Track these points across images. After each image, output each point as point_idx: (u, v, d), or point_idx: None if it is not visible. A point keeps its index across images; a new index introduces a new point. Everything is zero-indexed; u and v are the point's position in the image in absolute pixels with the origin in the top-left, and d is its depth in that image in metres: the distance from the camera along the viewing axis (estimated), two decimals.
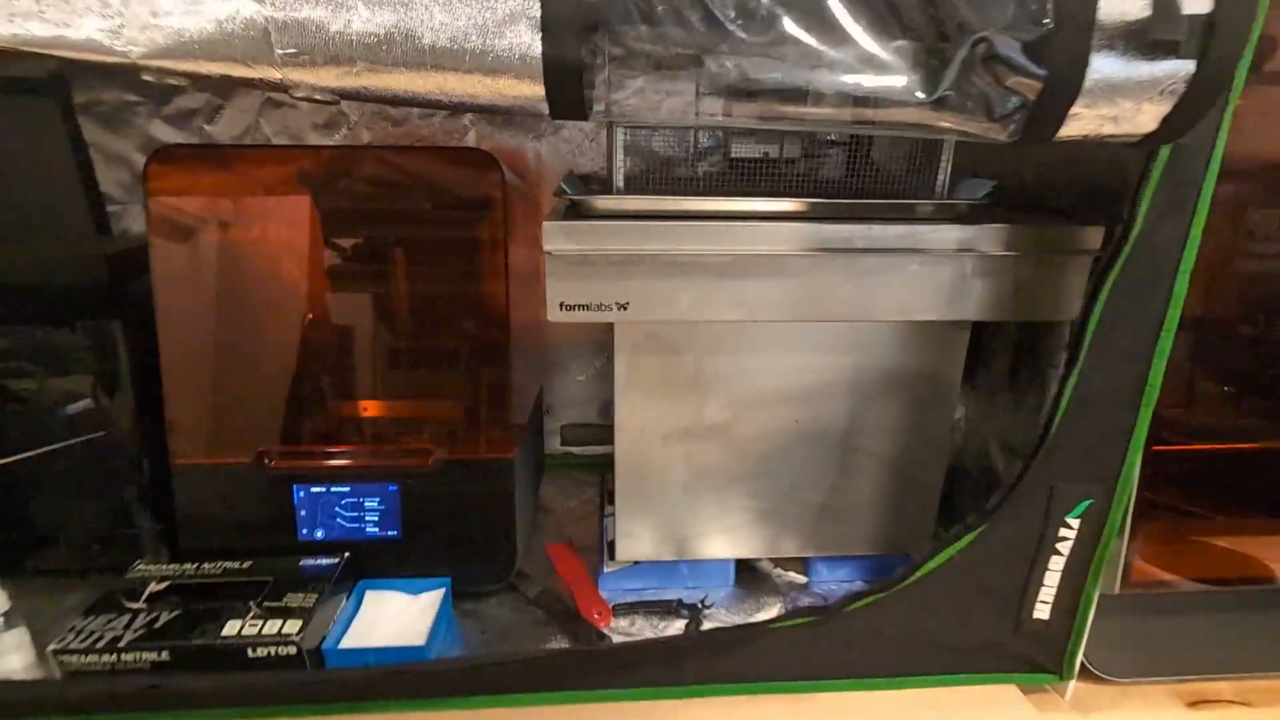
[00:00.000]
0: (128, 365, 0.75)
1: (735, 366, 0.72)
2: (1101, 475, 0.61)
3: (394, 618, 0.73)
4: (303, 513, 0.76)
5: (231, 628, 0.64)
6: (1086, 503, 0.62)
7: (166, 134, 0.91)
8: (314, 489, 0.75)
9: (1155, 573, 0.69)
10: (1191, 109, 0.40)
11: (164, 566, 0.72)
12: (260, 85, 0.41)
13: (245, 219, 0.73)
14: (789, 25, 0.39)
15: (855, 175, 0.67)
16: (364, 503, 0.76)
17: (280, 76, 0.41)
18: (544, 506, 0.99)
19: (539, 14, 0.39)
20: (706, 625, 0.76)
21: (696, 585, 0.82)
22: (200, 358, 0.74)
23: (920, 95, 0.40)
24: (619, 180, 0.62)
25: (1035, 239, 0.60)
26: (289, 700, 0.63)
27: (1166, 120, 0.41)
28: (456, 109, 0.43)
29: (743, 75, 0.42)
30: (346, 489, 0.75)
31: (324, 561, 0.74)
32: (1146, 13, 0.38)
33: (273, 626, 0.64)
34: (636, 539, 0.79)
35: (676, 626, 0.76)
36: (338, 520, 0.76)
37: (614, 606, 0.78)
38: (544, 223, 0.58)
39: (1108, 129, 0.42)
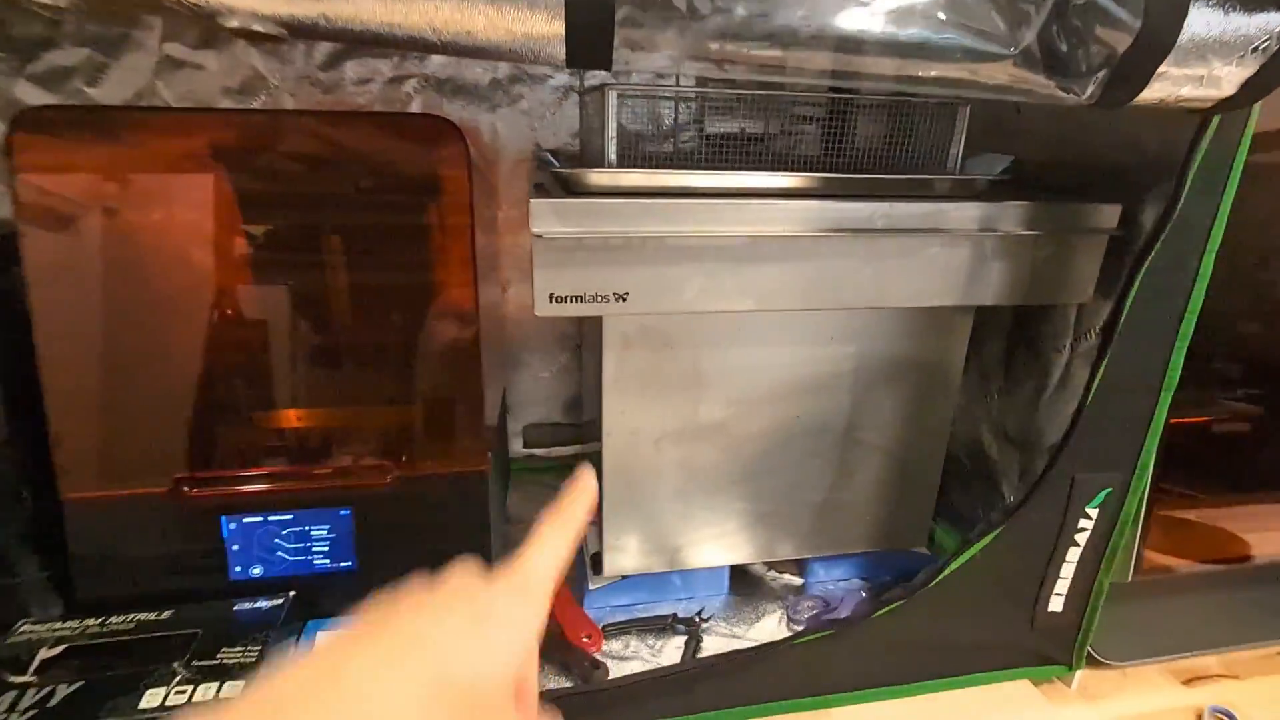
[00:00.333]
0: None
1: (735, 360, 0.65)
2: (1121, 463, 0.59)
3: None
4: (235, 548, 0.64)
5: (153, 698, 0.52)
6: (1106, 491, 0.60)
7: (35, 98, 0.75)
8: (248, 519, 0.64)
9: (1160, 559, 0.68)
10: (1276, 72, 0.36)
11: (57, 625, 0.59)
12: (180, 8, 0.31)
13: (142, 200, 0.60)
14: None
15: (863, 151, 0.61)
16: (311, 531, 0.65)
17: None
18: (511, 517, 0.90)
19: None
20: (706, 639, 0.70)
21: (690, 596, 0.76)
22: (91, 368, 0.61)
23: (1000, 48, 0.34)
24: (611, 152, 0.54)
25: (1058, 218, 0.57)
26: None
27: (1247, 84, 0.38)
28: (444, 51, 0.33)
29: (777, 20, 0.35)
30: (289, 517, 0.64)
31: (265, 604, 0.63)
32: None
33: (207, 691, 0.53)
34: (625, 551, 0.72)
35: (674, 644, 0.70)
36: (279, 554, 0.65)
37: (604, 627, 0.70)
38: (531, 201, 0.50)
39: (1187, 91, 0.38)
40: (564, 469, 1.00)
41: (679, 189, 0.54)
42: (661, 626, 0.71)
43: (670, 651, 0.69)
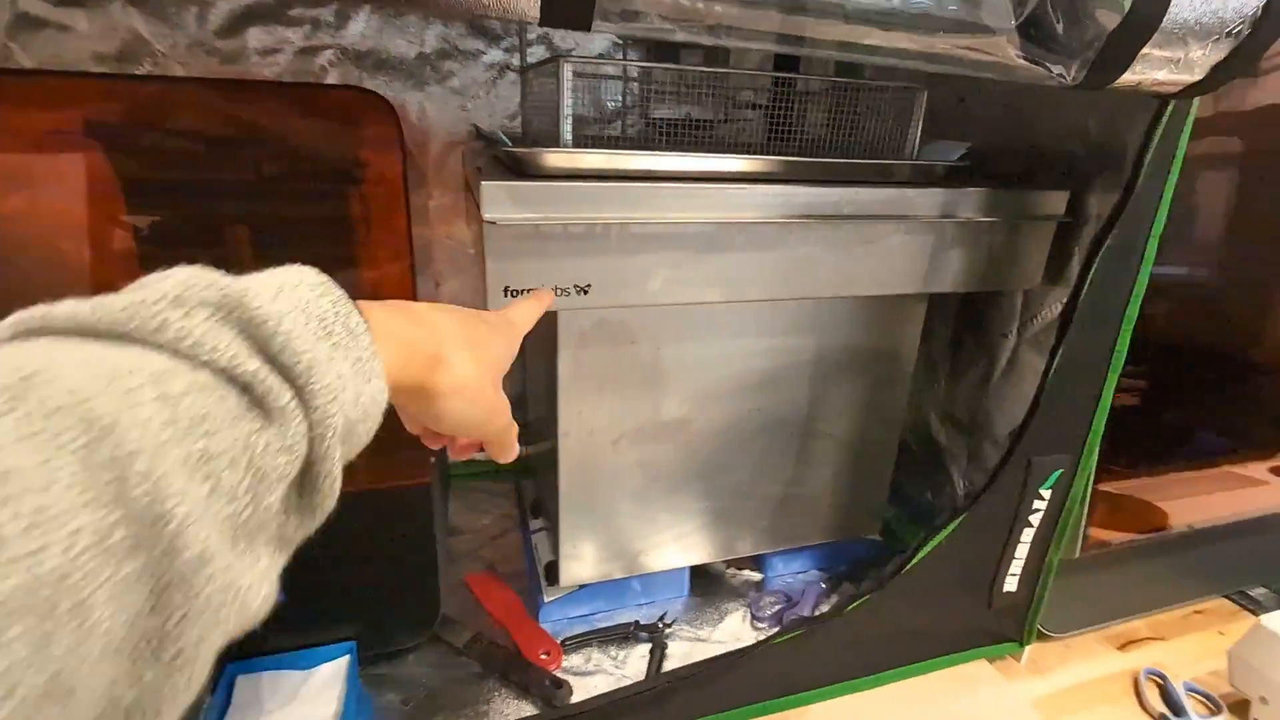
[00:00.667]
0: None
1: (696, 354, 0.62)
2: (1071, 444, 0.61)
3: (283, 705, 0.56)
4: None
5: None
6: (1058, 472, 0.61)
7: None
8: None
9: (1102, 533, 0.71)
10: (1246, 56, 0.37)
11: None
12: None
13: None
14: None
15: (824, 137, 0.59)
16: None
17: None
18: (453, 527, 0.84)
19: None
20: (671, 645, 0.67)
21: (650, 601, 0.73)
22: None
23: (997, 21, 0.33)
24: (567, 132, 0.49)
25: (1012, 204, 0.57)
26: None
27: (1216, 69, 0.38)
28: (395, 3, 0.28)
29: None
30: None
31: None
32: None
33: None
34: (582, 559, 0.68)
35: (639, 652, 0.67)
36: None
37: (563, 641, 0.66)
38: (483, 183, 0.45)
39: (1162, 75, 0.38)
40: (506, 473, 0.95)
41: (643, 172, 0.50)
42: (624, 635, 0.68)
43: (635, 661, 0.66)
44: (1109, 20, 0.35)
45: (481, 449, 0.40)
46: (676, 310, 0.60)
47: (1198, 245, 0.75)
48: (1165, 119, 0.47)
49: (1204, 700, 0.67)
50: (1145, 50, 0.36)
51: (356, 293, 0.58)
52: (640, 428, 0.64)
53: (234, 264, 0.57)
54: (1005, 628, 0.69)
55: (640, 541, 0.69)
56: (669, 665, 0.65)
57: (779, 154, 0.56)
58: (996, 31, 0.34)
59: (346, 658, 0.59)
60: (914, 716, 0.62)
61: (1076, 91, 0.40)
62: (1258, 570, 0.86)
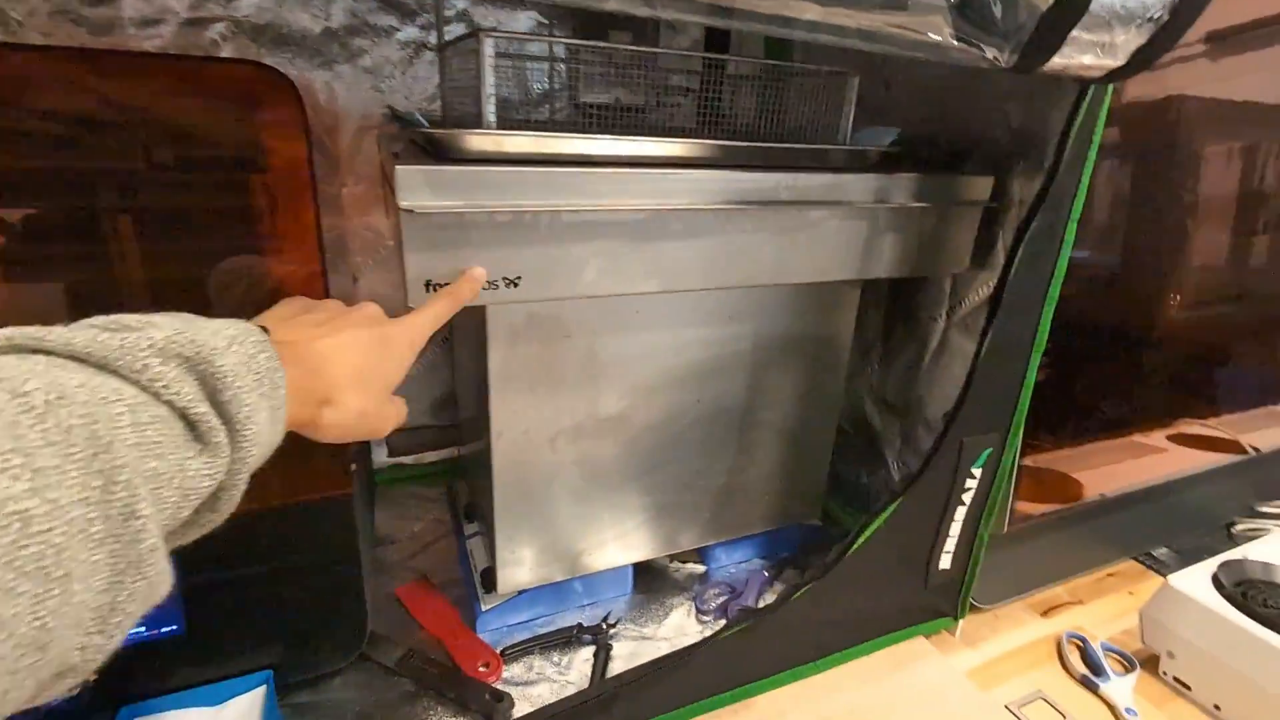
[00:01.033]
0: None
1: (632, 347, 0.60)
2: (999, 424, 0.63)
3: None
4: None
5: None
6: (987, 451, 0.63)
7: None
8: None
9: (1026, 506, 0.74)
10: (1163, 42, 0.38)
11: None
12: None
13: None
14: None
15: (757, 121, 0.58)
16: None
17: None
18: (381, 536, 0.79)
19: None
20: (616, 645, 0.66)
21: (593, 601, 0.71)
22: None
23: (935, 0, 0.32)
24: (490, 112, 0.46)
25: (942, 190, 0.58)
26: None
27: (1137, 53, 0.39)
28: None
29: None
30: None
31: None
32: None
33: None
34: (521, 564, 0.65)
35: (583, 656, 0.65)
36: None
37: (502, 651, 0.63)
38: (397, 168, 0.41)
39: (1088, 59, 0.39)
40: (437, 475, 0.91)
41: (574, 156, 0.47)
42: (566, 639, 0.66)
43: (579, 665, 0.64)
44: (1041, 2, 0.35)
45: None
46: (611, 301, 0.58)
47: (1097, 229, 0.79)
48: (1086, 104, 0.48)
49: (1120, 658, 0.71)
50: (1074, 34, 0.36)
51: (262, 293, 0.53)
52: (578, 425, 0.61)
53: (117, 260, 0.51)
54: (940, 604, 0.70)
55: (581, 541, 0.67)
56: (614, 667, 0.64)
57: (713, 139, 0.54)
58: (932, 10, 0.33)
59: (262, 688, 0.55)
60: (855, 698, 0.63)
61: (1008, 74, 0.40)
62: (1160, 532, 0.92)
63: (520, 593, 0.67)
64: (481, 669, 0.61)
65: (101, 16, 0.63)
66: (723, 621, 0.70)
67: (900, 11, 0.33)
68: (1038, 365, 0.61)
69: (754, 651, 0.61)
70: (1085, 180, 0.55)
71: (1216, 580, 0.67)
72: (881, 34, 0.36)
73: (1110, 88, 0.51)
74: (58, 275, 0.49)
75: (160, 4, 0.65)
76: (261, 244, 0.53)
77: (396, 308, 0.44)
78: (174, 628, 0.52)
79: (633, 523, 0.68)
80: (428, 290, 0.44)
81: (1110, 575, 0.87)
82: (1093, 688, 0.66)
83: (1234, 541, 0.94)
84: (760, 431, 0.70)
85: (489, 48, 0.45)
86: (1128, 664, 0.70)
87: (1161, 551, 0.91)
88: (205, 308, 0.52)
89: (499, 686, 0.60)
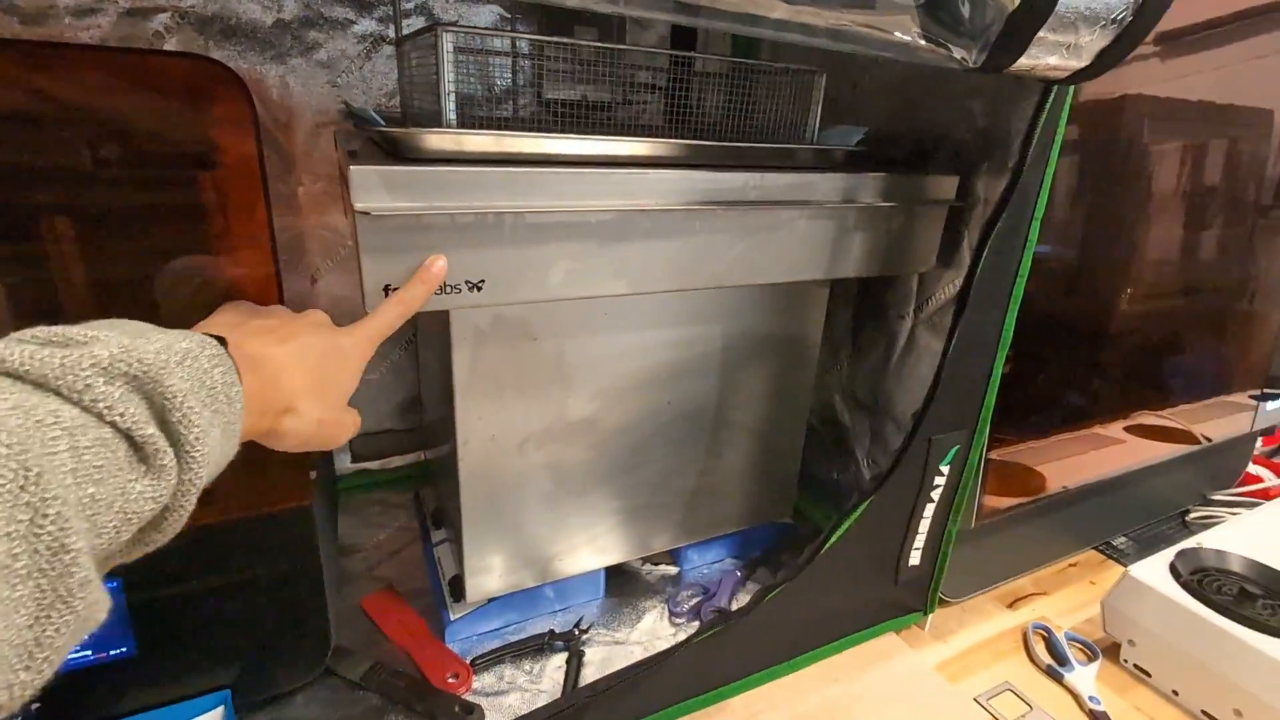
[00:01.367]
0: None
1: (601, 349, 0.59)
2: (967, 420, 0.63)
3: None
4: None
5: None
6: (955, 448, 0.64)
7: None
8: None
9: (993, 501, 0.75)
10: (1126, 43, 0.38)
11: None
12: None
13: None
14: None
15: (723, 120, 0.57)
16: None
17: None
18: (346, 545, 0.77)
19: None
20: (588, 651, 0.65)
21: (565, 607, 0.70)
22: None
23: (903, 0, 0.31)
24: (450, 110, 0.44)
25: (908, 189, 0.58)
26: None
27: (1101, 54, 0.39)
28: None
29: None
30: None
31: None
32: None
33: None
34: (490, 572, 0.64)
35: (555, 663, 0.64)
36: None
37: (472, 661, 0.62)
38: (351, 168, 0.39)
39: (1054, 60, 0.39)
40: (403, 481, 0.89)
41: (538, 156, 0.46)
42: (538, 647, 0.65)
43: (551, 673, 0.63)
44: (1007, 3, 0.35)
45: None
46: (579, 303, 0.57)
47: (1056, 225, 0.80)
48: (1049, 104, 0.48)
49: (1083, 648, 0.72)
50: (1041, 34, 0.36)
51: (213, 295, 0.50)
52: (546, 429, 0.60)
53: (56, 262, 0.49)
54: (910, 600, 0.71)
55: (552, 547, 0.66)
56: (587, 673, 0.63)
57: (679, 138, 0.53)
58: (900, 9, 0.33)
59: (219, 709, 0.52)
60: (827, 696, 0.63)
61: (973, 75, 0.40)
62: (1119, 522, 0.95)
63: (490, 600, 0.66)
64: (451, 680, 0.60)
65: (34, 5, 0.59)
66: (696, 623, 0.69)
67: (868, 11, 0.33)
68: (1003, 362, 0.62)
69: (728, 654, 0.60)
70: (1048, 179, 0.55)
71: (1173, 569, 0.69)
72: (849, 33, 0.35)
73: (1071, 89, 0.51)
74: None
75: None
76: (211, 245, 0.51)
77: (357, 310, 0.43)
78: (123, 649, 0.50)
79: (604, 526, 0.68)
80: (386, 294, 0.43)
81: (1072, 565, 0.89)
82: (1058, 677, 0.68)
83: (1188, 529, 0.97)
84: (731, 432, 0.70)
85: (448, 43, 0.43)
86: (1090, 653, 0.71)
87: (1120, 540, 0.94)
88: (152, 311, 0.50)
89: (469, 698, 0.58)
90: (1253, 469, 1.08)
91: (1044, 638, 0.73)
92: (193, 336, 0.30)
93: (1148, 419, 0.98)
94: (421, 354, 0.82)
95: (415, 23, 0.73)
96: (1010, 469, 0.84)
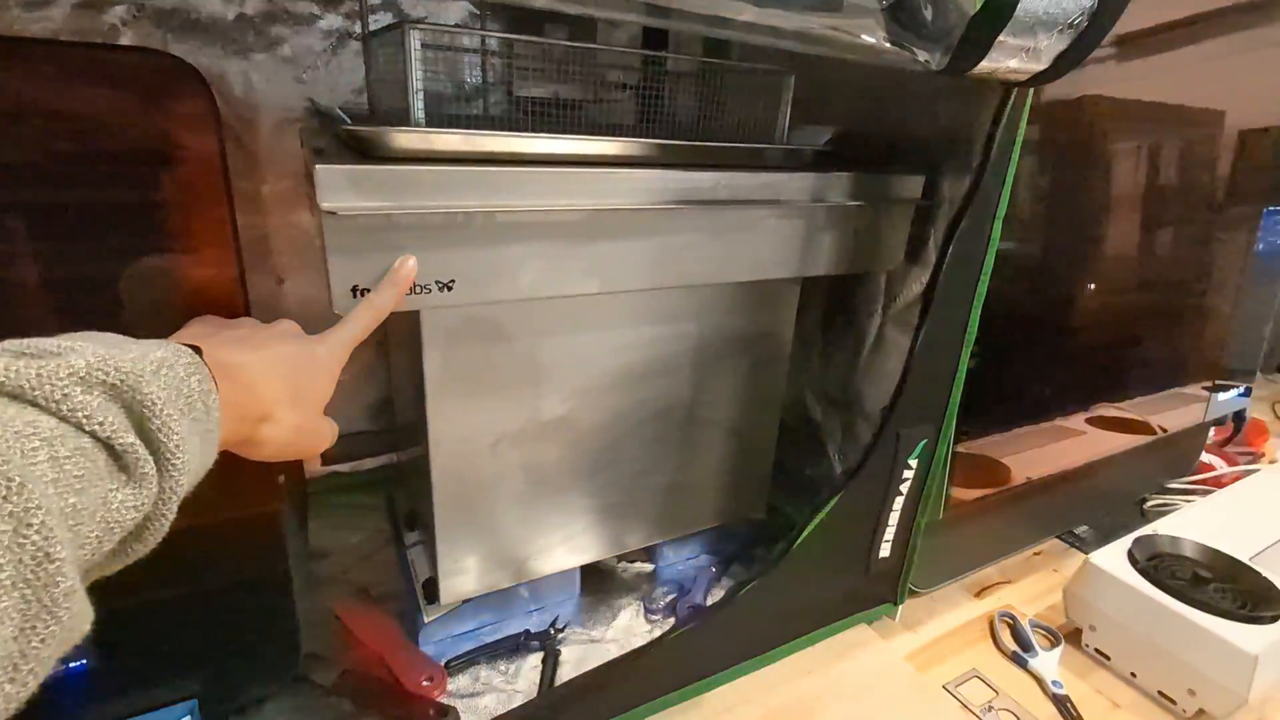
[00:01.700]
0: None
1: (574, 348, 0.59)
2: (934, 415, 0.64)
3: None
4: None
5: None
6: (923, 443, 0.65)
7: None
8: None
9: (961, 493, 0.77)
10: (1084, 46, 0.39)
11: None
12: None
13: None
14: None
15: (693, 120, 0.58)
16: None
17: None
18: (317, 550, 0.75)
19: None
20: (564, 650, 0.65)
21: (540, 606, 0.70)
22: None
23: (868, 3, 0.32)
24: (418, 109, 0.44)
25: (876, 188, 0.59)
26: None
27: (1059, 58, 0.40)
28: None
29: None
30: None
31: None
32: None
33: None
34: (464, 573, 0.63)
35: (531, 663, 0.64)
36: None
37: (447, 663, 0.62)
38: (317, 167, 0.39)
39: (1014, 64, 0.40)
40: (376, 483, 0.87)
41: (508, 155, 0.45)
42: (513, 647, 0.64)
43: (527, 673, 0.62)
44: (969, 5, 0.35)
45: None
46: (551, 302, 0.56)
47: (1021, 223, 0.82)
48: (1010, 106, 0.50)
49: (1046, 634, 0.74)
50: (1001, 38, 0.37)
51: (176, 297, 0.49)
52: (520, 428, 0.60)
53: (7, 263, 0.47)
54: (881, 591, 0.72)
55: (527, 546, 0.65)
56: (563, 672, 0.63)
57: (650, 137, 0.53)
58: (865, 13, 0.33)
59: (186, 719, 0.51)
60: (803, 689, 0.64)
61: (939, 77, 0.41)
62: (1081, 511, 0.98)
63: (464, 602, 0.65)
64: (425, 683, 0.59)
65: None
66: (671, 620, 0.70)
67: (834, 14, 0.33)
68: (968, 358, 0.63)
69: (702, 650, 0.61)
70: (1009, 179, 0.57)
71: (1131, 556, 0.72)
72: (816, 36, 0.36)
73: (1031, 91, 0.52)
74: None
75: None
76: (172, 245, 0.49)
77: (326, 311, 0.42)
78: (81, 661, 0.49)
79: (579, 525, 0.68)
80: (354, 295, 0.42)
81: (1037, 554, 0.91)
82: (1022, 663, 0.69)
83: (1145, 517, 1.01)
84: (704, 429, 0.70)
85: (415, 40, 0.43)
86: (1053, 639, 0.73)
87: (1082, 529, 0.96)
88: (113, 313, 0.48)
89: (444, 701, 0.58)
90: (1206, 458, 1.12)
91: (1010, 625, 0.75)
92: (167, 345, 0.30)
93: (1108, 411, 1.01)
94: (392, 355, 0.81)
95: (383, 18, 0.72)
96: (977, 461, 0.86)
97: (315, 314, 0.41)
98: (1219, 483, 1.08)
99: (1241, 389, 1.09)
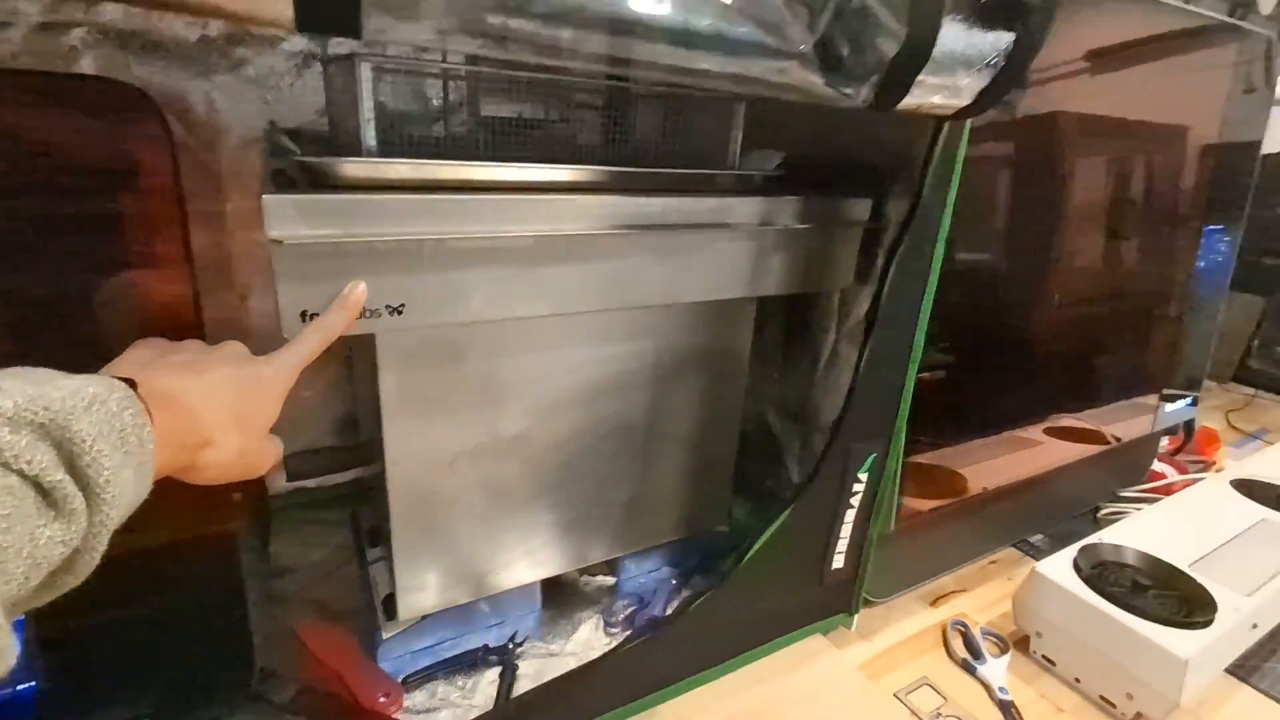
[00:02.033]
0: None
1: (532, 366, 0.60)
2: (882, 430, 0.66)
3: None
4: None
5: None
6: (872, 456, 0.67)
7: None
8: None
9: (915, 503, 0.79)
10: (1004, 83, 0.41)
11: None
12: None
13: None
14: None
15: (645, 145, 0.59)
16: None
17: None
18: (279, 566, 0.76)
19: None
20: (522, 664, 0.66)
21: (501, 621, 0.70)
22: None
23: (787, 45, 0.34)
24: (370, 137, 0.45)
25: (824, 211, 0.61)
26: None
27: (981, 94, 0.42)
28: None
29: None
30: None
31: None
32: None
33: None
34: (423, 589, 0.64)
35: (488, 678, 0.64)
36: None
37: (404, 680, 0.62)
38: (265, 197, 0.40)
39: (938, 100, 0.42)
40: (341, 500, 0.88)
41: (457, 183, 0.47)
42: (471, 662, 0.65)
43: (484, 688, 0.63)
44: (888, 49, 0.37)
45: None
46: (507, 322, 0.58)
47: (976, 238, 0.85)
48: (943, 137, 0.52)
49: (996, 641, 0.76)
50: (922, 77, 0.39)
51: (130, 317, 0.50)
52: (478, 446, 0.61)
53: None
54: (836, 602, 0.74)
55: (487, 562, 0.66)
56: (520, 686, 0.63)
57: (602, 162, 0.55)
58: (793, 56, 0.35)
59: None
60: (755, 699, 0.66)
61: (869, 112, 0.43)
62: (1036, 520, 1.00)
63: (424, 618, 0.66)
64: (382, 700, 0.60)
65: None
66: (627, 635, 0.71)
67: (764, 58, 0.35)
68: (915, 374, 0.65)
69: (656, 661, 0.62)
70: (950, 203, 0.59)
71: (1076, 564, 0.74)
72: (750, 78, 0.37)
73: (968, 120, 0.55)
74: None
75: (8, 5, 0.60)
76: (126, 266, 0.50)
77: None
78: (30, 684, 0.49)
79: (539, 540, 0.68)
80: (304, 320, 0.43)
81: (992, 563, 0.93)
82: (972, 670, 0.71)
83: (1098, 525, 1.03)
84: (665, 445, 0.72)
85: (365, 72, 0.44)
86: (1003, 646, 0.75)
87: (1037, 538, 0.99)
88: (66, 332, 0.49)
89: (400, 717, 0.59)
90: (1158, 466, 1.16)
91: (962, 633, 0.77)
92: (100, 380, 0.30)
93: (1064, 421, 1.04)
94: (356, 370, 0.81)
95: (347, 43, 0.73)
96: (933, 472, 0.88)
97: (278, 331, 0.42)
98: (1169, 491, 1.11)
99: (1189, 399, 1.13)
